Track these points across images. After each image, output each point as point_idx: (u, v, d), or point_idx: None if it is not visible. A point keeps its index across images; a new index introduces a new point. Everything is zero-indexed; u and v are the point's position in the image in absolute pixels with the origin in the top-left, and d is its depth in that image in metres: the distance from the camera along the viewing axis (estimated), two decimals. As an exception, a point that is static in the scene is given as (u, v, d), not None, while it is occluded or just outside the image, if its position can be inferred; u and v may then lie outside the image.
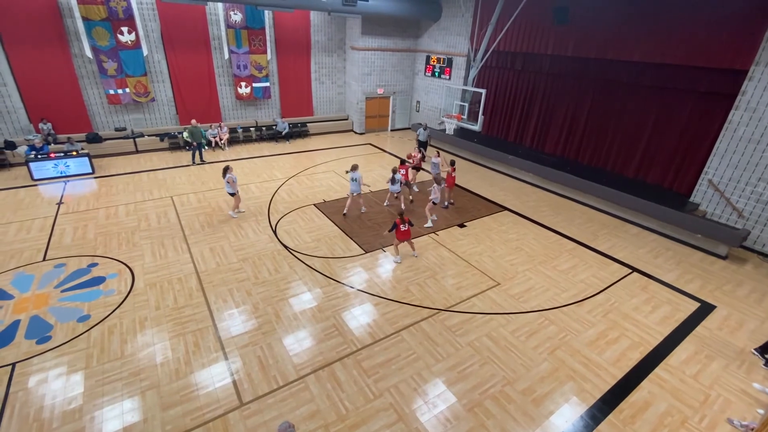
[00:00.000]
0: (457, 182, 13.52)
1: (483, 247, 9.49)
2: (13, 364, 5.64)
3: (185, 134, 14.14)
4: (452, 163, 11.53)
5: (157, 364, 5.75)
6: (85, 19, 12.86)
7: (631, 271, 8.82)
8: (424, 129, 15.22)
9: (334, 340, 6.41)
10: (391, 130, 20.43)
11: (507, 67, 15.48)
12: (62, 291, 7.16)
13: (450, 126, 15.06)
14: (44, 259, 8.08)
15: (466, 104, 14.57)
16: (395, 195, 11.18)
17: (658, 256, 9.48)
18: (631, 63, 11.37)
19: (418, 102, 19.89)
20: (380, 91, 19.05)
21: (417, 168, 12.93)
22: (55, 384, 5.37)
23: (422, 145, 15.28)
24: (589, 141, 13.45)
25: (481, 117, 13.54)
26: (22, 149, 12.52)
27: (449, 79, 17.53)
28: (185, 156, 14.48)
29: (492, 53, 14.44)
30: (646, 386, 5.83)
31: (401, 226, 8.35)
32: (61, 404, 5.10)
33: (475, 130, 13.94)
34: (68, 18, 12.81)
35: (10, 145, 12.86)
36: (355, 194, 10.51)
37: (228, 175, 9.80)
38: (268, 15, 15.96)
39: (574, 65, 13.04)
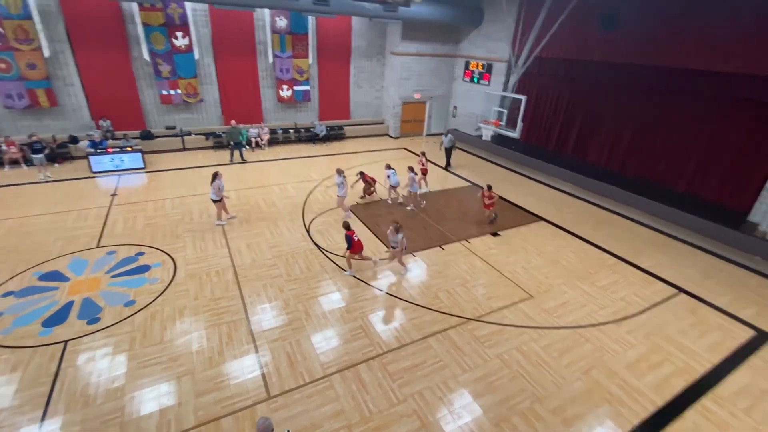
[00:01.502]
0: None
1: (517, 257, 9.23)
2: (66, 342, 6.10)
3: (225, 135, 14.79)
4: (489, 188, 10.57)
5: (193, 351, 6.03)
6: (145, 24, 13.81)
7: (677, 291, 8.26)
8: (446, 135, 14.97)
9: (361, 341, 6.44)
10: (427, 135, 20.37)
11: (549, 73, 15.04)
12: (112, 276, 7.69)
13: (487, 132, 14.83)
14: (98, 246, 8.71)
15: (505, 111, 14.32)
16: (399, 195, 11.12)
17: (708, 277, 8.82)
18: (686, 71, 10.71)
19: (455, 107, 19.72)
20: (417, 95, 19.07)
21: (424, 173, 12.63)
22: (101, 363, 5.76)
23: (447, 152, 15.06)
24: (636, 152, 12.77)
25: (520, 124, 13.25)
26: (84, 144, 13.59)
27: (488, 84, 17.27)
28: (228, 155, 15.13)
29: (534, 59, 14.11)
30: (690, 417, 5.43)
31: (354, 236, 7.91)
32: (105, 382, 5.45)
33: (514, 137, 13.63)
34: (130, 24, 13.81)
35: (74, 140, 14.00)
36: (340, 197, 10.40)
37: (216, 182, 9.38)
38: (311, 21, 16.43)
39: (623, 73, 12.46)
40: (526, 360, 6.24)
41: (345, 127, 18.79)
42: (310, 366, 5.90)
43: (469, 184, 13.95)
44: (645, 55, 11.42)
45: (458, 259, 9.02)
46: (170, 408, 5.13)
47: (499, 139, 15.96)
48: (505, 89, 16.10)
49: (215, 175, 9.50)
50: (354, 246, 7.89)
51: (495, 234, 10.30)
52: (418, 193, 11.56)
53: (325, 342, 6.39)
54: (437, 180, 14.07)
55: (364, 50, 18.32)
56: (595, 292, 8.10)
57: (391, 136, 19.65)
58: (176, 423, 4.93)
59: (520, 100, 13.10)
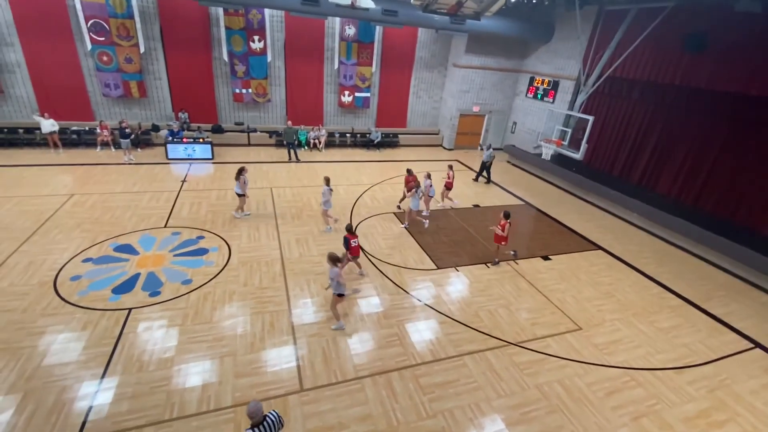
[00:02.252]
0: (546, 211, 12.72)
1: (568, 285, 8.72)
2: (130, 309, 6.71)
3: (283, 134, 15.57)
4: (506, 216, 8.85)
5: (237, 334, 6.36)
6: (227, 27, 15.00)
7: (753, 346, 7.34)
8: (488, 149, 14.47)
9: (395, 349, 6.42)
10: (481, 149, 19.98)
11: (622, 95, 14.16)
12: (174, 255, 8.36)
13: (547, 151, 14.24)
14: (165, 226, 9.52)
15: (569, 130, 13.67)
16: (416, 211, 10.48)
17: (795, 335, 7.74)
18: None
19: (515, 123, 19.19)
20: (476, 108, 18.82)
21: (449, 187, 12.10)
22: (156, 333, 6.26)
23: (484, 165, 14.56)
24: (715, 186, 11.59)
25: (584, 145, 12.56)
26: (163, 133, 14.97)
27: (553, 102, 16.62)
28: (286, 153, 15.87)
29: (606, 79, 13.36)
30: (758, 490, 4.77)
31: (353, 241, 7.80)
32: (158, 351, 5.92)
33: (576, 159, 12.96)
34: (215, 26, 15.06)
35: (156, 128, 15.48)
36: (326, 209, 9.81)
37: (241, 176, 9.67)
38: (378, 30, 16.89)
39: (706, 99, 11.42)
40: (567, 395, 5.85)
41: (400, 135, 18.98)
42: (343, 365, 5.98)
43: (523, 202, 13.45)
44: (734, 81, 10.36)
45: (503, 279, 8.71)
46: (211, 385, 5.44)
47: (558, 159, 15.25)
48: (571, 108, 15.39)
49: (241, 171, 9.74)
50: (352, 251, 7.84)
51: (546, 258, 9.82)
52: (440, 206, 11.27)
53: (360, 344, 6.45)
54: (487, 196, 13.73)
55: (426, 61, 18.46)
56: (654, 333, 7.43)
57: (445, 148, 19.53)
58: (215, 399, 5.22)
59: (587, 120, 12.43)
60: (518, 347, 6.72)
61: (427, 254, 9.40)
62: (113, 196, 10.73)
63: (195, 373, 5.59)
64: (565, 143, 13.64)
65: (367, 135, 18.13)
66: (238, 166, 10.17)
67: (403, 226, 10.68)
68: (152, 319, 6.53)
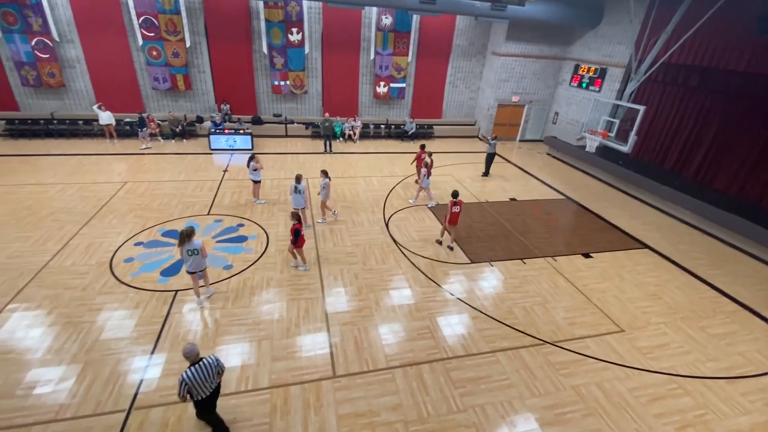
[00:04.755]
0: (587, 206, 12.15)
1: (610, 284, 8.32)
2: (176, 291, 7.13)
3: (321, 126, 15.78)
4: (454, 195, 8.67)
5: (273, 319, 6.61)
6: (267, 20, 15.32)
7: (822, 359, 6.68)
8: (493, 139, 13.88)
9: (426, 341, 6.42)
10: (520, 141, 19.33)
11: (678, 82, 13.13)
12: (217, 241, 8.77)
13: (592, 143, 13.52)
14: (208, 214, 9.99)
15: (617, 121, 12.89)
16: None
17: None
18: None
19: (557, 113, 18.35)
20: (515, 98, 18.16)
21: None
22: (200, 314, 6.62)
23: (489, 157, 13.95)
24: (784, 182, 10.56)
25: (633, 137, 11.81)
26: (207, 124, 15.63)
27: (599, 91, 15.71)
28: (322, 144, 16.11)
29: (660, 66, 12.43)
30: None
31: (303, 230, 7.64)
32: (201, 331, 6.27)
33: (623, 152, 12.23)
34: (255, 20, 15.43)
35: (200, 120, 16.19)
36: (300, 209, 9.18)
37: (251, 163, 10.01)
38: (415, 19, 16.62)
39: (779, 86, 10.35)
40: (606, 399, 5.62)
41: (435, 126, 18.71)
42: (374, 355, 6.06)
43: (563, 197, 12.91)
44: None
45: (540, 276, 8.44)
46: (249, 366, 5.70)
47: (603, 152, 14.44)
48: (619, 97, 14.48)
49: (251, 158, 10.10)
50: (300, 240, 7.62)
51: (587, 255, 9.41)
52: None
53: (392, 335, 6.50)
54: (524, 189, 13.29)
55: (464, 49, 17.98)
56: (705, 339, 6.95)
57: (480, 137, 19.05)
58: (253, 380, 5.47)
59: (638, 110, 11.64)
60: (554, 346, 6.52)
61: (461, 248, 9.27)
62: (161, 184, 11.38)
63: (235, 354, 5.88)
64: (612, 135, 12.89)
65: (402, 126, 18.01)
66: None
67: (410, 201, 11.32)
68: (197, 302, 6.90)
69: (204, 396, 4.27)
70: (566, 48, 17.51)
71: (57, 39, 14.12)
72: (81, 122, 15.03)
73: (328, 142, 15.59)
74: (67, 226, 8.87)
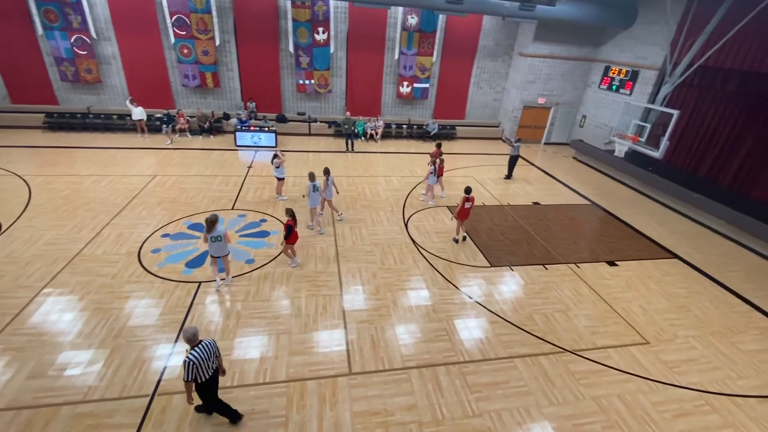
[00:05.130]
0: (614, 212, 11.79)
1: (635, 294, 8.05)
2: (200, 282, 7.34)
3: (343, 125, 15.90)
4: (467, 191, 8.93)
5: (292, 314, 6.71)
6: (294, 20, 15.54)
7: None
8: (516, 141, 13.55)
9: (443, 344, 6.38)
10: (545, 144, 18.92)
11: (715, 87, 12.56)
12: (240, 235, 8.97)
13: (621, 148, 13.13)
14: (232, 208, 10.23)
15: (648, 126, 12.47)
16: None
17: None
18: None
19: (584, 116, 17.87)
20: (541, 100, 17.79)
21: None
22: (222, 306, 6.79)
23: (513, 159, 13.68)
24: (831, 194, 9.94)
25: (665, 142, 11.41)
26: (233, 121, 15.98)
27: (630, 94, 15.20)
28: (344, 143, 16.22)
29: (697, 69, 11.94)
30: None
31: (296, 226, 7.56)
32: (222, 323, 6.42)
33: (654, 157, 11.80)
34: (283, 19, 15.68)
35: (226, 117, 16.59)
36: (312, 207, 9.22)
37: (274, 160, 10.30)
38: (441, 19, 16.51)
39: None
40: (628, 412, 5.44)
41: (457, 127, 18.55)
42: (390, 354, 6.07)
43: (588, 202, 12.57)
44: None
45: (562, 282, 8.25)
46: (268, 358, 5.81)
47: (632, 157, 13.99)
48: (651, 101, 14.00)
49: (275, 156, 10.40)
50: (292, 237, 7.58)
51: (612, 263, 9.13)
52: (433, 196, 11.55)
53: (408, 335, 6.49)
54: (548, 193, 13.01)
55: (490, 50, 17.75)
56: (736, 355, 6.63)
57: (503, 139, 18.75)
58: (271, 373, 5.57)
59: (671, 115, 11.21)
60: (575, 355, 6.35)
61: (481, 251, 9.16)
62: (188, 179, 11.72)
63: (254, 347, 6.00)
64: (643, 139, 12.49)
65: (424, 126, 17.93)
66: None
67: (430, 203, 11.40)
68: (219, 293, 7.08)
69: (205, 378, 4.40)
70: (596, 49, 17.03)
71: (95, 36, 14.75)
72: (115, 117, 15.64)
73: (350, 141, 15.69)
74: (99, 216, 9.26)
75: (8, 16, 13.96)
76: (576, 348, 6.50)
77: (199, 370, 4.28)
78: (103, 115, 15.59)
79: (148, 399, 5.05)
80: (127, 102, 14.80)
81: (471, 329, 6.75)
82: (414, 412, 5.18)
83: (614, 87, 16.05)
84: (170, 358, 5.68)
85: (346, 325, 6.57)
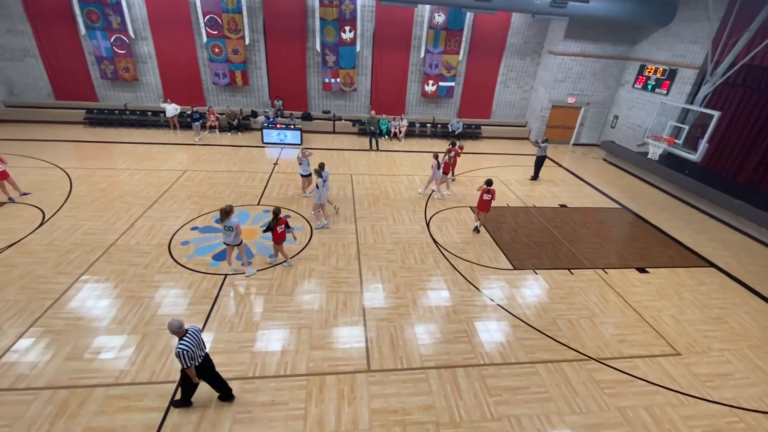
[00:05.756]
0: (646, 217, 11.34)
1: (667, 303, 7.72)
2: (225, 275, 7.56)
3: (367, 124, 15.95)
4: (488, 183, 9.30)
5: (313, 309, 6.81)
6: (321, 19, 15.71)
7: None
8: (544, 142, 13.11)
9: (463, 345, 6.32)
10: (574, 144, 18.38)
11: (760, 87, 11.85)
12: (264, 231, 9.14)
13: (655, 150, 12.58)
14: (258, 204, 10.47)
15: (686, 127, 11.90)
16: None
17: None
18: None
19: (616, 117, 17.23)
20: (571, 100, 17.28)
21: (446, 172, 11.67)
22: (246, 299, 6.97)
23: (540, 160, 13.27)
24: None
25: (704, 145, 10.86)
26: (260, 119, 16.34)
27: (666, 94, 14.55)
28: (367, 141, 16.28)
29: (741, 68, 11.29)
30: None
31: (278, 227, 7.37)
32: (246, 315, 6.60)
33: (692, 160, 11.25)
34: (310, 18, 15.88)
35: (254, 114, 16.98)
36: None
37: (300, 156, 10.44)
38: (468, 17, 16.30)
39: None
40: (656, 425, 5.23)
41: (483, 127, 18.28)
42: (409, 353, 6.07)
43: (618, 205, 12.13)
44: None
45: (589, 288, 8.00)
46: (289, 351, 5.92)
47: (667, 160, 13.38)
48: (690, 101, 13.34)
49: (303, 152, 10.54)
50: (275, 236, 7.50)
51: (642, 270, 8.78)
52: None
53: (428, 335, 6.47)
54: (576, 195, 12.63)
55: (518, 48, 17.38)
56: (777, 372, 6.25)
57: (532, 141, 18.33)
58: (292, 366, 5.68)
59: (711, 116, 10.65)
60: (600, 363, 6.16)
61: (504, 253, 9.01)
62: (217, 174, 12.08)
63: (275, 340, 6.14)
64: (679, 142, 11.92)
65: (448, 126, 17.76)
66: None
67: (445, 193, 11.82)
68: (242, 286, 7.28)
69: (198, 362, 4.62)
70: (631, 47, 16.37)
71: (133, 36, 15.39)
72: (150, 113, 16.30)
73: (374, 140, 15.74)
74: (133, 208, 9.68)
75: (54, 17, 14.77)
76: (601, 356, 6.30)
77: (194, 356, 4.51)
78: (138, 112, 16.27)
79: (175, 385, 5.26)
80: (161, 102, 15.37)
81: (492, 332, 6.65)
82: (431, 412, 5.16)
83: (650, 86, 15.39)
84: (196, 346, 5.88)
85: (366, 323, 6.61)
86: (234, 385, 5.22)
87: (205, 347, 4.80)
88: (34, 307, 6.40)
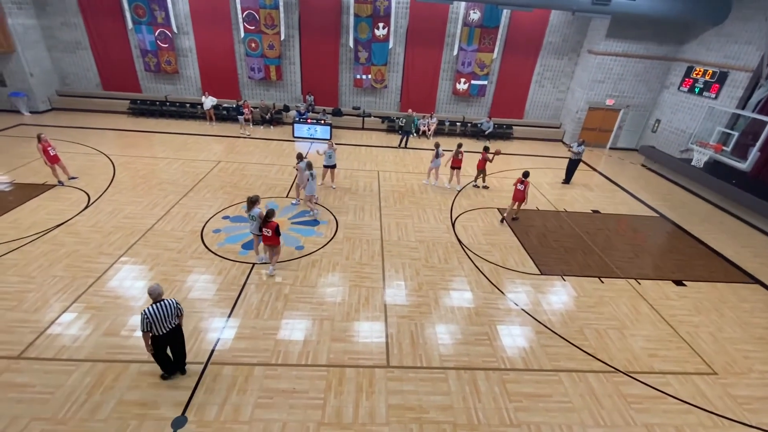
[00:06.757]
0: (686, 228, 10.77)
1: (705, 319, 7.31)
2: (253, 264, 7.78)
3: (401, 120, 15.90)
4: (525, 175, 9.81)
5: (336, 302, 6.91)
6: (356, 15, 15.80)
7: None
8: (580, 144, 12.58)
9: (484, 348, 6.24)
10: (610, 148, 17.65)
11: (825, 91, 10.93)
12: (292, 223, 9.38)
13: (700, 157, 11.90)
14: (286, 196, 10.71)
15: (735, 134, 11.18)
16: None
17: None
18: None
19: (658, 121, 16.40)
20: (610, 102, 16.59)
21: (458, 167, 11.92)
22: (271, 288, 7.15)
23: (573, 163, 12.86)
24: None
25: (755, 153, 10.18)
26: (292, 113, 16.66)
27: (715, 98, 13.71)
28: (397, 139, 16.28)
29: (802, 71, 10.46)
30: None
31: (266, 231, 7.12)
32: (271, 303, 6.77)
33: (741, 169, 10.57)
34: (345, 14, 16.00)
35: (286, 109, 17.32)
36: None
37: (327, 151, 10.93)
38: (505, 14, 15.93)
39: None
40: (686, 445, 4.99)
41: (514, 127, 17.86)
42: (429, 352, 6.05)
43: (656, 214, 11.57)
44: None
45: (620, 298, 7.69)
46: (310, 342, 6.04)
47: (713, 168, 12.62)
48: (742, 106, 12.51)
49: (330, 145, 11.09)
50: (263, 239, 7.34)
51: (679, 283, 8.35)
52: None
53: (449, 335, 6.43)
54: (610, 201, 12.14)
55: (556, 47, 16.83)
56: (827, 401, 5.80)
57: (566, 144, 17.75)
58: (313, 356, 5.80)
59: (765, 123, 9.95)
60: (628, 377, 5.92)
61: (531, 257, 8.80)
62: (249, 166, 12.43)
63: (298, 329, 6.27)
64: (727, 149, 11.22)
65: (479, 125, 17.47)
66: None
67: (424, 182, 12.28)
68: (266, 275, 7.47)
69: (160, 333, 4.80)
70: (679, 47, 15.51)
71: (175, 31, 16.03)
72: (188, 105, 16.96)
73: (405, 138, 15.66)
74: (170, 196, 10.12)
75: (104, 11, 15.60)
76: (630, 369, 6.06)
77: (154, 324, 4.68)
78: (178, 104, 16.96)
79: (203, 366, 5.48)
80: (202, 97, 15.97)
81: (515, 337, 6.53)
82: (449, 412, 5.14)
83: (697, 89, 14.54)
84: (223, 331, 6.11)
85: (387, 319, 6.64)
86: (257, 371, 5.39)
87: (174, 323, 4.91)
88: (78, 284, 6.82)
